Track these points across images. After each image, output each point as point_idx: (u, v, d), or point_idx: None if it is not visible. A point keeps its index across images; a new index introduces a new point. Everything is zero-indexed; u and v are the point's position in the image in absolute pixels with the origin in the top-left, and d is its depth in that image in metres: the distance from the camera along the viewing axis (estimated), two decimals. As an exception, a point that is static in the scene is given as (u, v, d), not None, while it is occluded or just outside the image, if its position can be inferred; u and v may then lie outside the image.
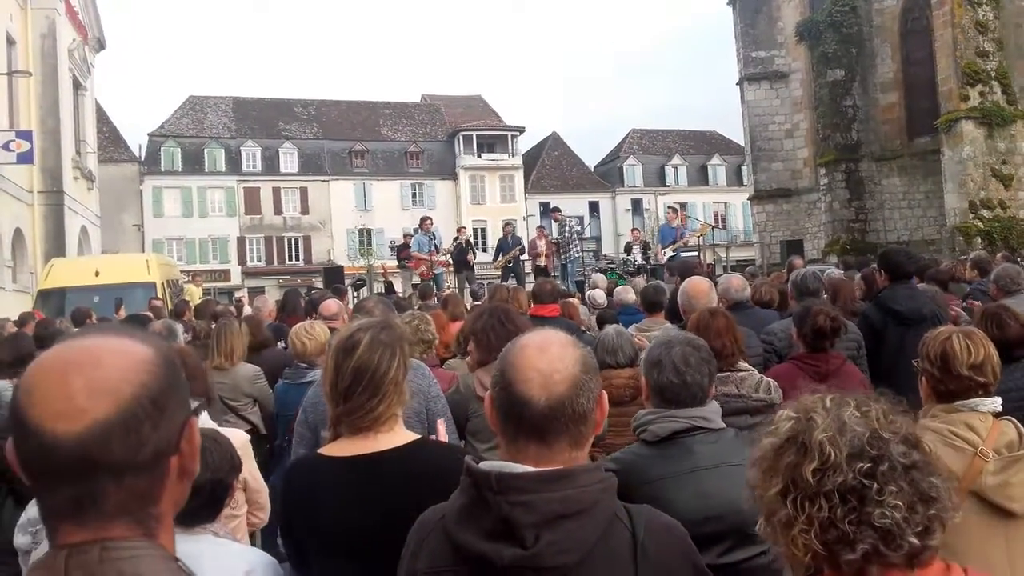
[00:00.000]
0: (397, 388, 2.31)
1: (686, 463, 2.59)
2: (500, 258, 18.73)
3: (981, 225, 19.65)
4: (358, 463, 2.22)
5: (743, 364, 3.85)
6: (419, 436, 2.44)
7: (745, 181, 35.08)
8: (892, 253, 6.24)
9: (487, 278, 21.63)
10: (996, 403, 2.76)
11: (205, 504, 2.58)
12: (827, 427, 1.39)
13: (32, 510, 3.62)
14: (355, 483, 2.21)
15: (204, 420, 3.51)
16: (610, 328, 5.23)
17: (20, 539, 3.60)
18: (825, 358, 4.42)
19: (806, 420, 1.42)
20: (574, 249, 18.17)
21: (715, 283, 5.96)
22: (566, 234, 18.27)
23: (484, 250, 26.07)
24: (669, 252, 16.97)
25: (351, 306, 14.10)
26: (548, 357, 1.63)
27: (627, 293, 8.47)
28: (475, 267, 18.50)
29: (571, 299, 8.62)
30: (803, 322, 4.50)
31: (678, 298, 5.43)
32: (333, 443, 2.31)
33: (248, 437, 3.64)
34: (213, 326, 7.29)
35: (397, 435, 2.31)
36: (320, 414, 3.30)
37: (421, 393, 3.60)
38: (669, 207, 21.32)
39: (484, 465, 1.60)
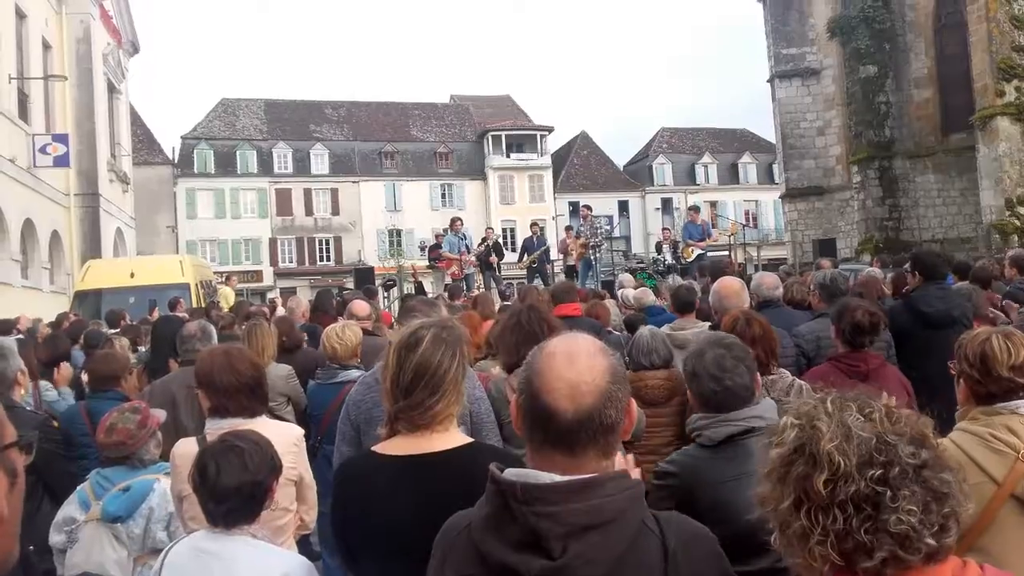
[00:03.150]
0: (456, 387, 2.32)
1: (747, 465, 2.51)
2: (525, 258, 18.69)
3: (1018, 222, 19.29)
4: (412, 463, 2.21)
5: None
6: (473, 440, 2.44)
7: (776, 179, 34.77)
8: (924, 253, 6.11)
9: (512, 278, 21.59)
10: (1037, 405, 2.70)
11: (244, 505, 2.59)
12: (833, 435, 1.36)
13: (67, 509, 3.66)
14: (408, 483, 2.20)
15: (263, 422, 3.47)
16: (644, 329, 5.20)
17: (55, 537, 3.63)
18: (864, 357, 4.31)
19: (810, 428, 1.40)
20: (596, 246, 18.03)
21: (747, 282, 5.89)
22: (599, 233, 18.17)
23: (513, 250, 25.98)
24: (697, 251, 16.90)
25: (382, 307, 14.24)
26: (576, 368, 1.58)
27: (646, 295, 8.45)
28: (499, 267, 18.40)
29: (604, 300, 8.58)
30: (841, 318, 4.40)
31: (709, 298, 5.38)
32: (388, 441, 2.29)
33: (302, 432, 3.65)
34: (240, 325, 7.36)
35: (452, 436, 2.31)
36: (363, 412, 3.28)
37: (464, 394, 3.60)
38: (690, 207, 21.21)
39: (509, 474, 1.57)
